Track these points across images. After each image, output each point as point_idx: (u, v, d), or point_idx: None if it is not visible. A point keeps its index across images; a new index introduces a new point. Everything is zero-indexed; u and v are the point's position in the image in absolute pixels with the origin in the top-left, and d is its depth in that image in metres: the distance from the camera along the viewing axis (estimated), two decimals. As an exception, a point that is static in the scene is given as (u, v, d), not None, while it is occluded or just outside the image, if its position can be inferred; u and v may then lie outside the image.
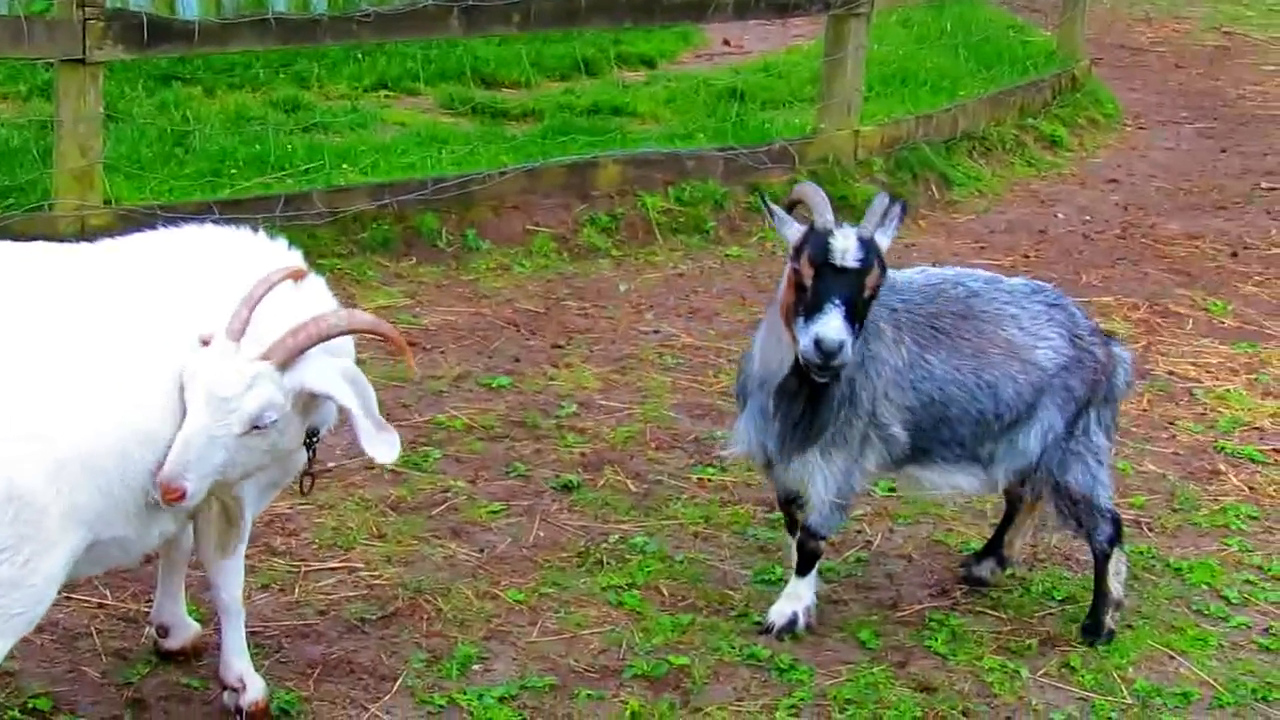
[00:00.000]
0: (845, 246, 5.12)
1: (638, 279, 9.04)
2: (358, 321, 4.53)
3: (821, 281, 5.11)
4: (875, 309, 5.37)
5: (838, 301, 5.07)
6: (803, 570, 5.67)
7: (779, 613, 5.66)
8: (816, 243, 5.15)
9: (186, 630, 5.19)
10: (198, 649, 5.19)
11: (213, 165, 9.20)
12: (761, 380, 5.46)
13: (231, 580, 4.86)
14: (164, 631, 5.16)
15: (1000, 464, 5.68)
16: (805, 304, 5.12)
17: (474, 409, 7.17)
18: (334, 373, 4.42)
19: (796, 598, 5.67)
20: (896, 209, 5.32)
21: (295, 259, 4.75)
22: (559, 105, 11.33)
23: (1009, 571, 6.13)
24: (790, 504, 5.76)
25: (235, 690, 4.90)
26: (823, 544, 5.64)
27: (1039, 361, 5.66)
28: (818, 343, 5.05)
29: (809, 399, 5.35)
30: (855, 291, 5.12)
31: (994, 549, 6.12)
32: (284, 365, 4.35)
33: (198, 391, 4.30)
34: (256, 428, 4.34)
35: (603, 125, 10.71)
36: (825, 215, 5.22)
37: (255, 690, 4.91)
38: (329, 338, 4.43)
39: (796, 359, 5.23)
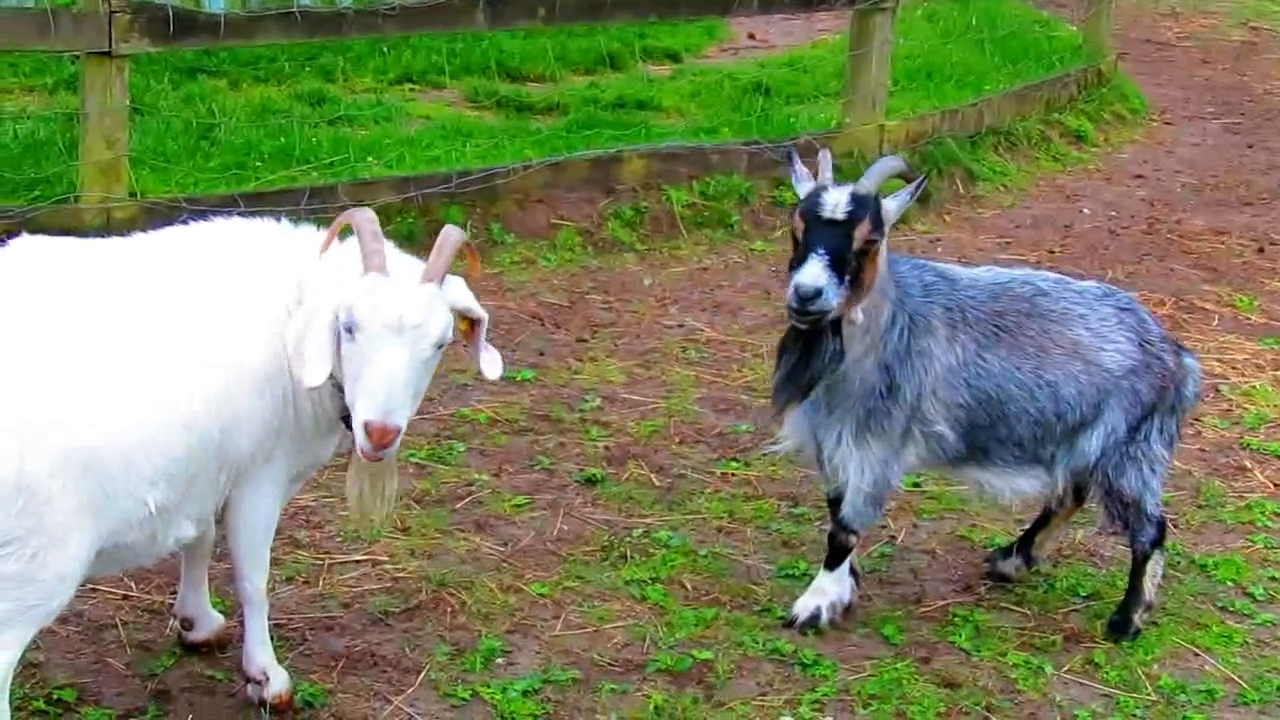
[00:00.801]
0: (836, 200, 5.19)
1: (662, 273, 9.04)
2: (460, 237, 4.61)
3: (810, 233, 5.21)
4: (930, 305, 5.40)
5: (821, 251, 5.14)
6: (832, 564, 5.65)
7: (803, 606, 5.66)
8: (810, 198, 5.25)
9: (210, 622, 5.20)
10: (221, 641, 5.20)
11: (238, 158, 9.21)
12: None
13: (256, 572, 4.86)
14: (188, 624, 5.17)
15: (1061, 465, 5.67)
16: (795, 257, 5.22)
17: (498, 402, 7.17)
18: (464, 288, 4.57)
19: (822, 592, 5.66)
20: (913, 182, 5.42)
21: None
22: (584, 99, 11.32)
23: (1034, 569, 6.11)
24: (838, 503, 5.73)
25: (258, 683, 4.91)
26: (854, 538, 5.62)
27: (1104, 364, 5.65)
28: (796, 289, 5.12)
29: (801, 351, 5.37)
30: (840, 242, 5.17)
31: (1023, 547, 6.11)
32: (440, 283, 4.46)
33: (383, 326, 4.35)
34: (439, 348, 4.46)
35: (627, 119, 10.71)
36: (825, 174, 5.33)
37: (279, 683, 4.92)
38: (458, 252, 4.55)
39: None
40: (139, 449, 4.24)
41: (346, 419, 4.64)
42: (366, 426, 4.34)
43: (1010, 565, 6.10)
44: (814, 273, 5.11)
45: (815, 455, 5.63)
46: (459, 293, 4.55)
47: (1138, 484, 5.72)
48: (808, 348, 5.35)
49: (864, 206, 5.19)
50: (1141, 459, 5.74)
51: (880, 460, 5.49)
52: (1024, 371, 5.55)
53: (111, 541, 4.29)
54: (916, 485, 6.61)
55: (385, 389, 4.34)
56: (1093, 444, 5.64)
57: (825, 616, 5.63)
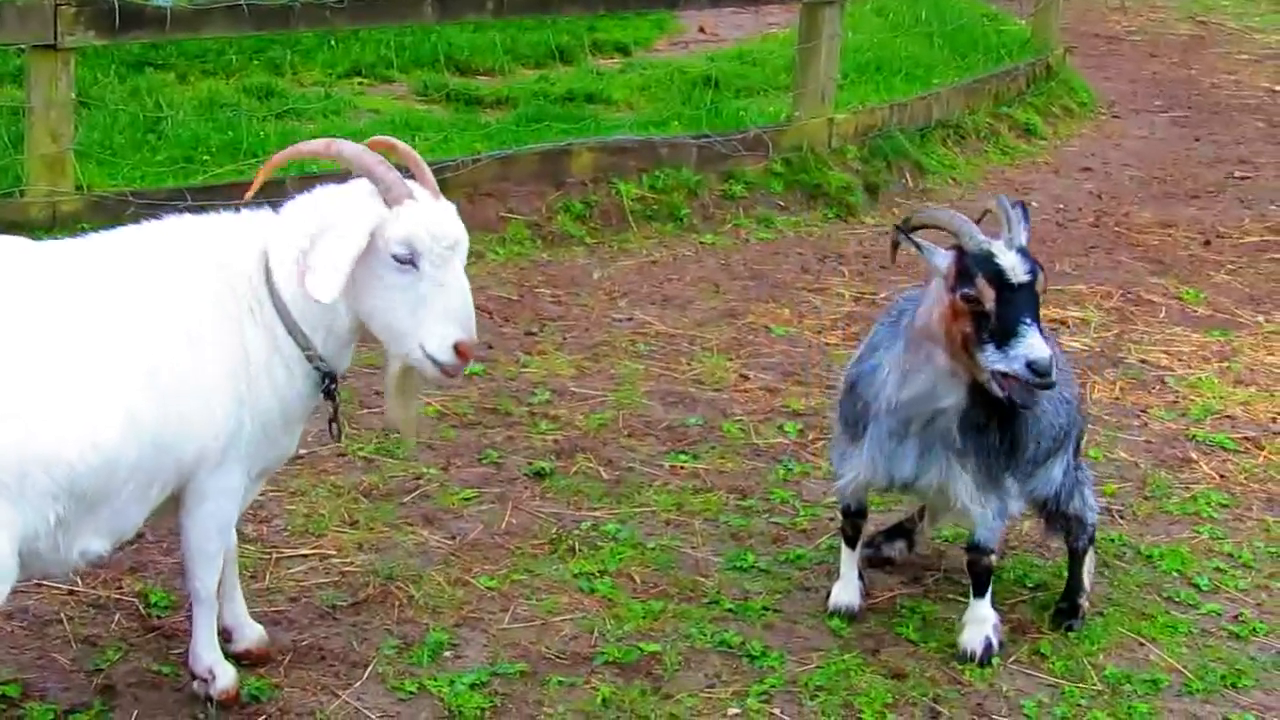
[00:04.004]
0: (1013, 262, 5.00)
1: (611, 266, 9.04)
2: None
3: (1004, 303, 4.96)
4: None
5: (1028, 320, 4.96)
6: (980, 591, 5.56)
7: (973, 640, 5.53)
8: (985, 265, 5.00)
9: (250, 632, 5.11)
10: (263, 655, 5.11)
11: (185, 152, 9.18)
12: (906, 413, 5.29)
13: (206, 572, 4.76)
14: (226, 635, 5.06)
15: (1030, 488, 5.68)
16: (991, 330, 4.97)
17: (446, 396, 7.16)
18: None
19: (985, 620, 5.57)
20: (1019, 212, 5.21)
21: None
22: (533, 92, 11.33)
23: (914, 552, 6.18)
24: (859, 516, 5.73)
25: (205, 680, 4.87)
26: (993, 557, 5.56)
27: (1069, 391, 5.72)
28: (1032, 365, 4.91)
29: (1001, 426, 5.28)
30: (1036, 304, 5.02)
31: (905, 530, 6.16)
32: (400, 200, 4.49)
33: (446, 248, 4.43)
34: None
35: (577, 112, 10.71)
36: (976, 235, 5.08)
37: (225, 679, 4.87)
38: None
39: (978, 387, 5.12)
40: (34, 461, 4.09)
41: (328, 393, 4.66)
42: (458, 347, 4.46)
43: (894, 549, 6.14)
44: (1041, 344, 4.93)
45: (886, 486, 5.52)
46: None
47: (1080, 503, 5.79)
48: (1005, 421, 5.27)
49: (1034, 260, 5.07)
50: (1083, 481, 5.82)
51: (1006, 490, 5.47)
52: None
53: (24, 546, 4.18)
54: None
55: (467, 308, 4.47)
56: (1055, 472, 5.67)
57: (995, 641, 5.55)
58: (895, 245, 5.48)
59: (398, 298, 4.47)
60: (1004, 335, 4.95)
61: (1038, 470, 5.61)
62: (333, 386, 4.71)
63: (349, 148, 4.52)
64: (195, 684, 4.89)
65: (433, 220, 4.42)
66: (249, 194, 4.65)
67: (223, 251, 4.58)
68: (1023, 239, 5.12)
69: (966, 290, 5.00)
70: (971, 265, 5.02)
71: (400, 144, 4.74)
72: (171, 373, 4.36)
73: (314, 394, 4.70)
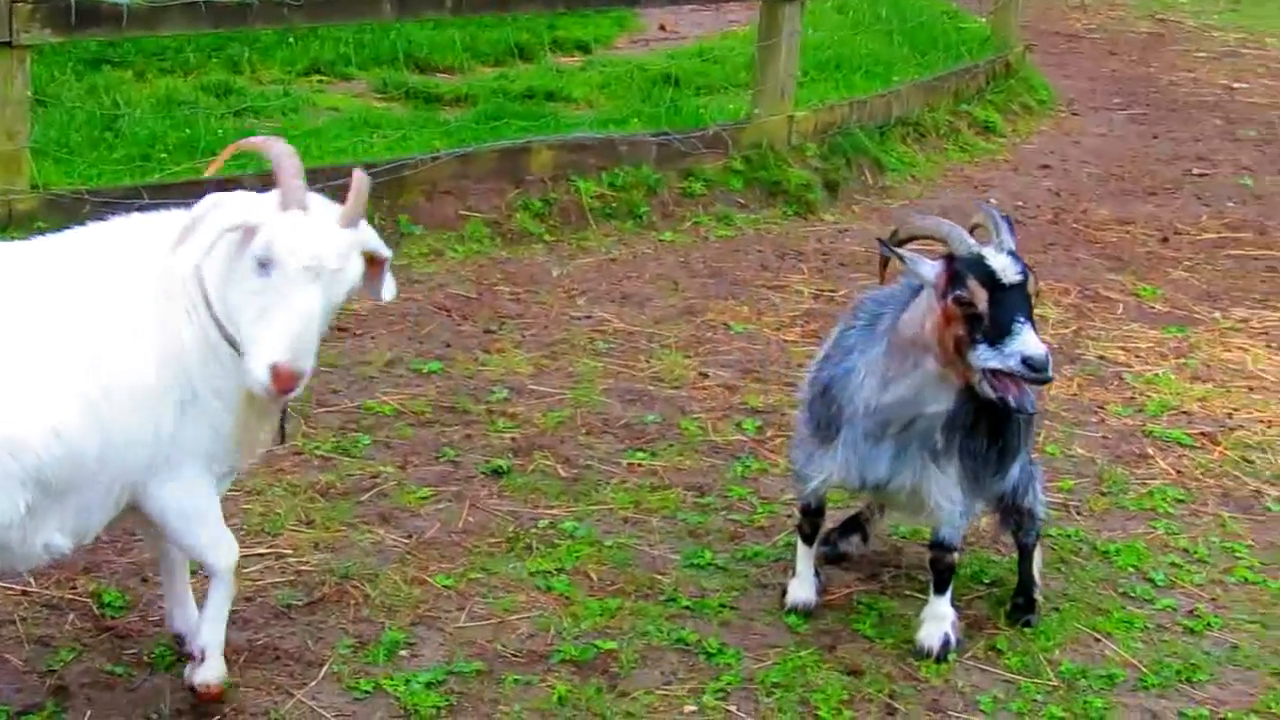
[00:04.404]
0: (1004, 263, 4.99)
1: (570, 264, 9.03)
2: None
3: (997, 305, 4.95)
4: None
5: (1021, 319, 4.94)
6: (941, 588, 5.57)
7: (930, 636, 5.55)
8: (977, 267, 4.99)
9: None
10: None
11: (142, 150, 9.14)
12: (885, 417, 5.27)
13: (214, 551, 4.75)
14: (180, 641, 5.04)
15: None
16: (984, 331, 4.95)
17: (404, 394, 7.15)
18: (368, 227, 4.53)
19: (943, 617, 5.58)
20: (999, 216, 5.23)
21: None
22: (493, 90, 11.32)
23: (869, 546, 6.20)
24: (818, 515, 5.73)
25: (193, 659, 4.84)
26: (957, 555, 5.57)
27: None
28: (1028, 362, 4.88)
29: (992, 431, 5.29)
30: (1028, 304, 5.00)
31: (858, 525, 6.18)
32: (355, 227, 4.39)
33: (303, 268, 4.25)
34: (347, 292, 4.41)
35: (536, 110, 10.70)
36: (965, 240, 5.07)
37: (211, 671, 4.82)
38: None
39: (968, 391, 5.10)
40: (2, 446, 4.16)
41: None
42: (274, 369, 4.25)
43: (851, 544, 6.16)
44: (1036, 340, 4.91)
45: (858, 488, 5.52)
46: (369, 234, 4.51)
47: (1032, 498, 5.79)
48: (995, 423, 5.28)
49: (1025, 264, 5.05)
50: (1035, 477, 5.83)
51: (979, 487, 5.47)
52: None
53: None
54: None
55: (298, 332, 4.26)
56: (1014, 470, 5.68)
57: (954, 638, 5.57)
58: (884, 261, 5.46)
59: (248, 301, 4.34)
60: (998, 335, 4.93)
61: (1009, 470, 5.62)
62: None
63: (278, 149, 4.42)
64: (188, 666, 4.86)
65: (302, 236, 4.28)
66: (210, 169, 4.67)
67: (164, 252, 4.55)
68: (1011, 244, 5.14)
69: (959, 293, 4.98)
70: (962, 269, 5.00)
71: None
72: (117, 368, 4.37)
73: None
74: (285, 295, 4.28)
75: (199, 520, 4.71)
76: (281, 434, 4.87)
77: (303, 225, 4.30)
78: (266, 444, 4.89)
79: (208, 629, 4.85)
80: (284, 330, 4.27)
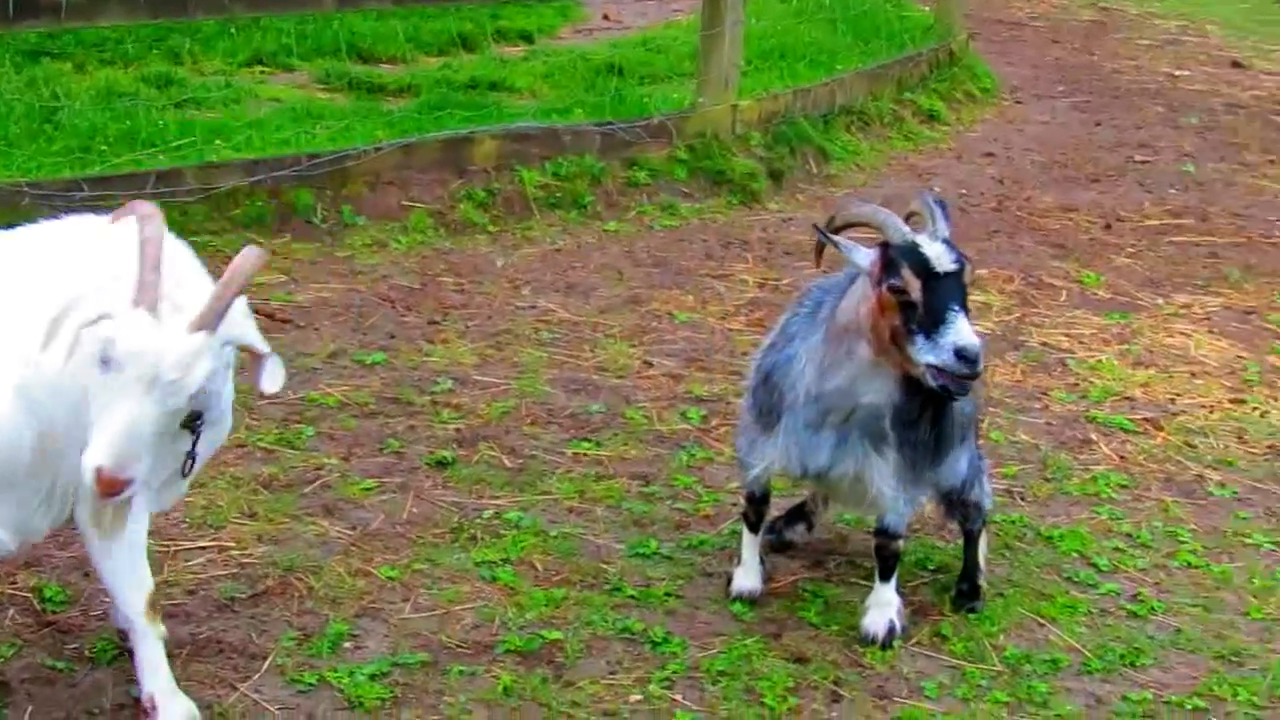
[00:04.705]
0: (938, 252, 4.97)
1: (514, 254, 9.00)
2: (261, 260, 4.30)
3: (931, 293, 4.92)
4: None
5: (956, 308, 4.91)
6: (887, 575, 5.57)
7: (875, 623, 5.55)
8: (910, 255, 4.96)
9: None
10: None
11: (83, 142, 9.07)
12: (825, 405, 5.26)
13: (132, 591, 4.60)
14: (124, 635, 4.96)
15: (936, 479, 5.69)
16: (918, 320, 4.93)
17: (348, 386, 7.12)
18: (246, 320, 4.31)
19: (887, 604, 5.59)
20: (940, 208, 5.21)
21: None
22: (436, 80, 11.29)
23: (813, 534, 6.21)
24: (763, 503, 5.74)
25: (147, 713, 4.71)
26: (902, 542, 5.57)
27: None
28: (961, 353, 4.86)
29: (933, 419, 5.27)
30: (963, 293, 4.98)
31: (804, 514, 6.19)
32: (214, 329, 4.15)
33: (135, 375, 4.03)
34: (193, 399, 4.16)
35: (480, 100, 10.68)
36: (900, 227, 5.05)
37: (170, 716, 4.69)
38: (244, 290, 4.24)
39: (910, 381, 5.09)
40: None
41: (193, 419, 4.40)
42: (98, 472, 4.02)
43: (796, 533, 6.17)
44: (969, 330, 4.89)
45: (799, 476, 5.50)
46: (239, 328, 4.28)
47: (979, 491, 5.81)
48: (937, 414, 5.26)
49: (960, 252, 5.04)
50: (982, 470, 5.84)
51: (918, 476, 5.46)
52: None
53: None
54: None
55: (125, 440, 4.03)
56: (961, 464, 5.69)
57: (899, 625, 5.57)
58: (820, 248, 5.45)
59: (96, 391, 4.15)
60: (932, 324, 4.91)
61: (947, 458, 5.63)
62: (197, 425, 4.42)
63: (148, 231, 4.17)
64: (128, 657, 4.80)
65: (138, 341, 4.05)
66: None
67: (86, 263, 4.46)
68: (946, 232, 5.13)
69: (893, 281, 4.97)
70: (897, 257, 4.99)
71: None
72: (45, 371, 4.28)
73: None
74: (119, 399, 4.07)
75: (121, 538, 4.58)
76: (188, 468, 4.60)
77: (144, 330, 4.07)
78: (165, 479, 4.63)
79: (149, 679, 4.70)
80: (111, 436, 4.05)
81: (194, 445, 4.49)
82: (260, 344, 4.33)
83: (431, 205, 9.23)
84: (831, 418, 5.27)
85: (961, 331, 4.88)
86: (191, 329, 4.11)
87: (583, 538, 6.07)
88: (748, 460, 5.60)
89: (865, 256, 5.09)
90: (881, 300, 5.00)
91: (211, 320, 4.13)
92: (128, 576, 4.61)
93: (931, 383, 4.98)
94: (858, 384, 5.17)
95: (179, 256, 4.44)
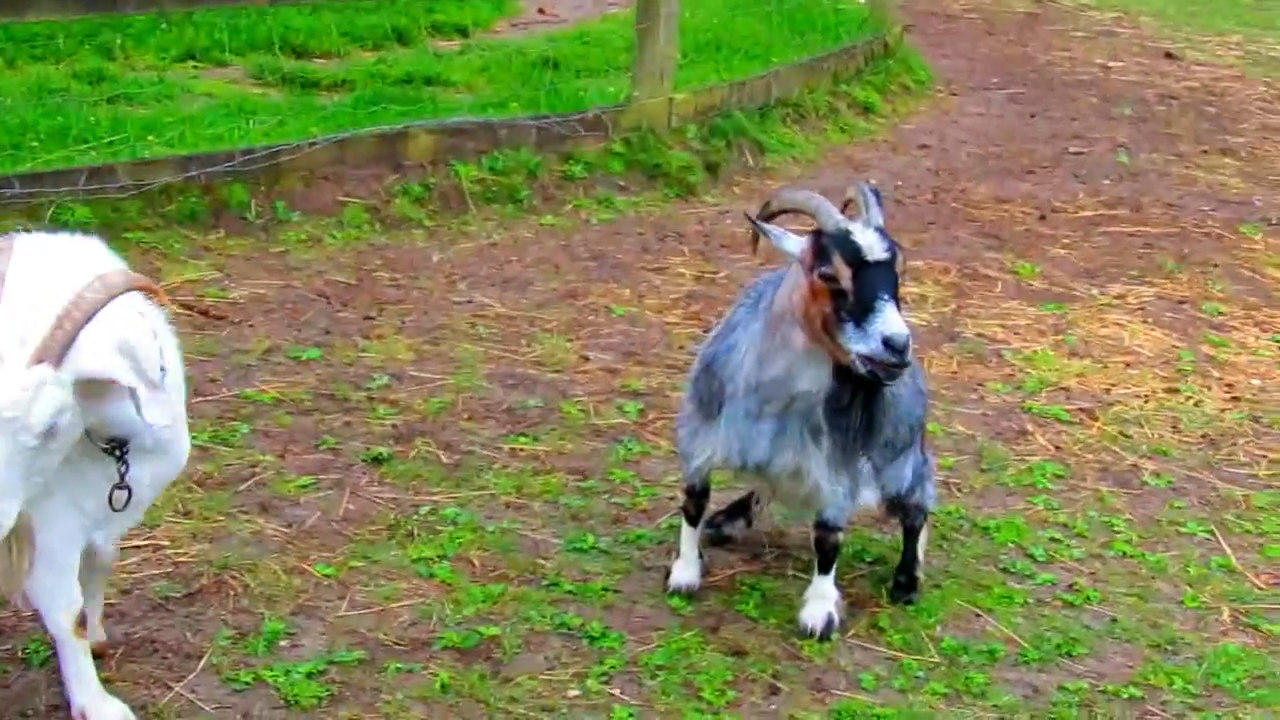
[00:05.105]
0: (870, 240, 4.96)
1: (451, 249, 8.97)
2: (117, 287, 4.11)
3: (861, 282, 4.91)
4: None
5: (886, 296, 4.90)
6: (825, 568, 5.58)
7: (813, 616, 5.56)
8: (842, 243, 4.95)
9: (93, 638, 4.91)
10: (99, 652, 4.93)
11: (13, 139, 8.98)
12: (764, 395, 5.26)
13: (55, 609, 4.53)
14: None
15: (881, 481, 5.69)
16: (849, 309, 4.92)
17: (283, 382, 7.08)
18: (109, 350, 4.10)
19: (825, 597, 5.59)
20: (870, 192, 5.22)
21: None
22: (371, 75, 11.25)
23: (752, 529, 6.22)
24: (703, 496, 5.73)
25: None
26: (841, 535, 5.57)
27: (920, 384, 5.80)
28: (889, 342, 4.85)
29: (865, 407, 5.22)
30: (894, 282, 4.97)
31: (744, 509, 6.19)
32: (60, 360, 3.98)
33: None
34: (49, 435, 4.00)
35: (415, 95, 10.63)
36: (833, 214, 5.05)
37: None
38: (95, 315, 4.05)
39: (843, 368, 5.07)
40: None
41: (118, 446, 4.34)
42: None
43: (735, 528, 6.18)
44: (898, 319, 4.87)
45: (739, 467, 5.48)
46: (95, 361, 4.04)
47: (922, 494, 5.84)
48: (869, 402, 5.22)
49: (892, 240, 5.03)
50: (927, 476, 5.86)
51: (856, 471, 5.45)
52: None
53: None
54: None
55: None
56: (906, 470, 5.70)
57: (837, 619, 5.57)
58: (756, 237, 5.45)
59: None
60: (861, 312, 4.91)
61: (895, 459, 5.63)
62: (122, 452, 4.35)
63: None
64: None
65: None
66: None
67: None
68: (879, 220, 5.13)
69: (824, 269, 4.97)
70: (829, 244, 4.98)
71: (85, 294, 4.04)
72: None
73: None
74: None
75: (47, 558, 4.48)
76: (111, 500, 4.46)
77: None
78: (91, 509, 4.53)
79: (77, 694, 4.65)
80: None
81: (123, 476, 4.37)
82: (124, 376, 4.09)
83: (367, 200, 9.19)
84: (769, 407, 5.28)
85: (890, 321, 4.88)
86: (30, 363, 3.97)
87: (520, 533, 6.05)
88: (689, 451, 5.59)
89: (795, 244, 5.10)
90: (813, 287, 5.01)
91: (53, 353, 3.98)
92: (51, 597, 4.53)
93: (861, 369, 4.97)
94: (794, 372, 5.17)
95: (52, 277, 4.24)
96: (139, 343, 4.22)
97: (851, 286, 4.93)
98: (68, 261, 4.34)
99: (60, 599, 4.55)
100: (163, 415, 4.23)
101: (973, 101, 13.71)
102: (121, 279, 4.14)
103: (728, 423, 5.39)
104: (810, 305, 5.03)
